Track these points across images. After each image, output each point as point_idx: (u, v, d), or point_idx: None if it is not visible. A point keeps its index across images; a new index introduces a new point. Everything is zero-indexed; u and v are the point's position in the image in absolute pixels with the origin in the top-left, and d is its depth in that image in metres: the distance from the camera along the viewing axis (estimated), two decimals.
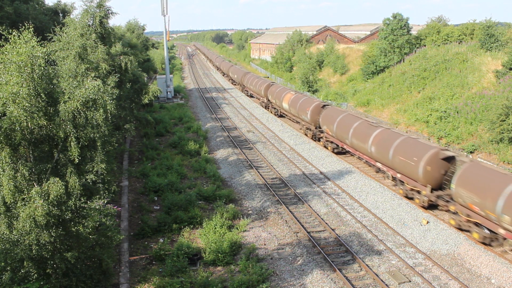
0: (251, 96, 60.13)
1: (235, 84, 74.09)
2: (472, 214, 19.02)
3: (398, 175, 24.25)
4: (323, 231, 20.59)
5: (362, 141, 27.37)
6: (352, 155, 31.36)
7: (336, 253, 18.50)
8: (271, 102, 46.74)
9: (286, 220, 21.64)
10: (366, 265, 17.27)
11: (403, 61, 49.70)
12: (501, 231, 17.56)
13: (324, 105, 35.04)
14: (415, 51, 50.21)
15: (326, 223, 21.09)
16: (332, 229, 20.46)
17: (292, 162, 30.58)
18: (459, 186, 19.32)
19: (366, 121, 28.29)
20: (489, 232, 18.61)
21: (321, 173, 28.45)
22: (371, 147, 26.31)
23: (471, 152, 29.65)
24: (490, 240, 18.65)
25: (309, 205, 23.21)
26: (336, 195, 24.71)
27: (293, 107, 39.84)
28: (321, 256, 18.13)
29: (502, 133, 27.71)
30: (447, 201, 20.95)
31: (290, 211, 22.41)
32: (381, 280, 16.24)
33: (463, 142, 31.31)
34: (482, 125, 31.07)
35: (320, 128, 33.97)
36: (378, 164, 26.33)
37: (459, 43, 46.49)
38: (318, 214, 22.15)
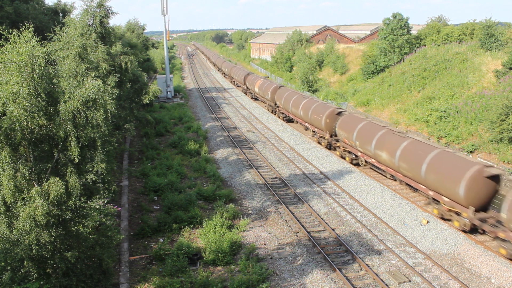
0: (238, 86, 67.76)
1: (226, 77, 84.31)
2: (346, 146, 30.32)
3: (315, 129, 35.33)
4: (323, 231, 20.60)
5: (296, 108, 39.16)
6: (295, 121, 42.78)
7: (336, 252, 18.51)
8: (248, 88, 56.46)
9: (286, 220, 21.65)
10: (366, 265, 17.28)
11: (403, 61, 49.69)
12: (358, 153, 28.61)
13: (280, 87, 46.78)
14: (415, 51, 50.20)
15: (326, 223, 21.10)
16: (332, 229, 20.46)
17: (292, 162, 30.59)
18: (339, 129, 30.70)
19: (300, 95, 40.34)
20: (354, 156, 29.55)
21: (321, 173, 28.46)
22: (300, 111, 38.03)
23: (471, 152, 29.66)
24: (355, 160, 29.58)
25: (309, 205, 23.22)
26: (336, 195, 24.72)
27: (261, 90, 51.85)
28: (321, 256, 18.14)
29: (502, 133, 27.71)
30: (336, 141, 32.06)
31: (290, 211, 22.42)
32: (381, 280, 16.25)
33: (463, 142, 31.30)
34: (482, 125, 31.06)
35: (276, 103, 43.15)
36: (306, 124, 37.66)
37: (459, 43, 46.47)
38: (318, 214, 22.16)
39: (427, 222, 20.81)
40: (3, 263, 11.41)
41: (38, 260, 11.76)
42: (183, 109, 51.77)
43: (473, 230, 19.54)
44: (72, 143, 11.49)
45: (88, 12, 22.28)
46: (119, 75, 22.90)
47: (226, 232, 19.74)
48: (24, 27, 11.33)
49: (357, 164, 29.42)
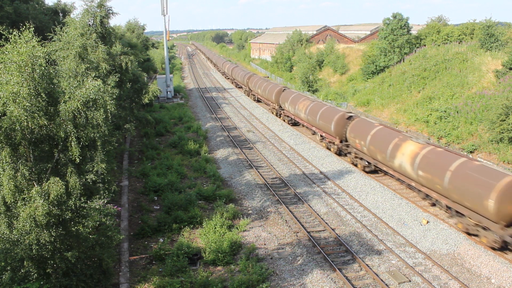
0: (258, 101, 69.04)
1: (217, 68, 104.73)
2: (286, 113, 43.40)
3: (277, 105, 46.29)
4: (323, 230, 20.60)
5: (260, 88, 52.47)
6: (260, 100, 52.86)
7: (336, 252, 18.51)
8: (225, 72, 70.29)
9: (286, 220, 21.65)
10: (366, 265, 17.28)
11: (403, 61, 49.68)
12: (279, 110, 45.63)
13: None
14: (415, 51, 50.19)
15: (326, 223, 21.10)
16: (332, 229, 20.46)
17: (292, 162, 30.58)
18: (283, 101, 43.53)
19: (266, 80, 53.18)
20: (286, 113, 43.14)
21: (321, 173, 28.45)
22: (257, 89, 53.58)
23: (471, 152, 29.65)
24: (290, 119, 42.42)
25: (309, 205, 23.22)
26: (336, 195, 24.72)
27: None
28: (321, 256, 18.14)
29: (502, 133, 27.70)
30: (282, 110, 44.55)
31: (290, 211, 22.42)
32: (381, 280, 16.24)
33: (463, 142, 31.30)
34: (482, 125, 31.05)
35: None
36: (264, 100, 51.72)
37: (459, 43, 46.45)
38: (318, 214, 22.16)
39: (427, 222, 20.81)
40: (3, 263, 11.41)
41: (38, 260, 11.76)
42: (183, 109, 51.76)
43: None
44: (72, 143, 11.49)
45: (88, 12, 22.30)
46: (119, 75, 22.90)
47: (226, 232, 19.74)
48: (24, 27, 11.33)
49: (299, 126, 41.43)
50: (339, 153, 31.79)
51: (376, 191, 24.87)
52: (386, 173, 27.37)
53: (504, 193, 17.15)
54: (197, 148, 33.94)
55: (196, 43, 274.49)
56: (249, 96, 60.75)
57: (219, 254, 17.89)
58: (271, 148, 34.62)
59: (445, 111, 34.83)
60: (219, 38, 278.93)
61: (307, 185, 26.27)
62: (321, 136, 34.54)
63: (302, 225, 20.79)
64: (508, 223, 17.47)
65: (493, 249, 18.05)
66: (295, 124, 42.54)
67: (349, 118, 30.71)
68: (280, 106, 45.20)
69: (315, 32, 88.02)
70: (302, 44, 79.18)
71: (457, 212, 20.11)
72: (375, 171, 28.23)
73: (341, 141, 31.14)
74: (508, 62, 33.86)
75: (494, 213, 17.37)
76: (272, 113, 48.07)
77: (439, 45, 48.10)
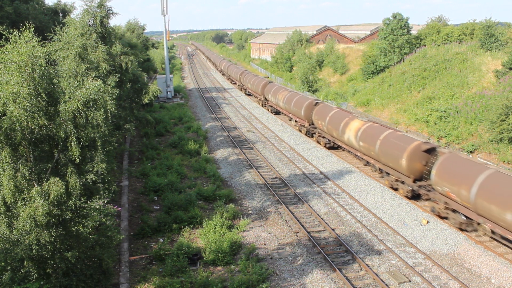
0: (218, 69, 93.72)
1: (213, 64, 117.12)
2: (270, 103, 49.17)
3: (262, 97, 51.54)
4: (323, 231, 20.60)
5: (250, 83, 58.91)
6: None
7: (336, 253, 18.51)
8: (222, 70, 74.48)
9: (286, 220, 21.65)
10: (366, 265, 17.28)
11: (403, 61, 49.69)
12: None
13: (230, 65, 65.21)
14: (415, 51, 50.20)
15: (326, 223, 21.10)
16: (332, 229, 20.47)
17: (292, 162, 30.58)
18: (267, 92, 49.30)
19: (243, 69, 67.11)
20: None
21: (321, 173, 28.45)
22: (247, 83, 60.48)
23: (471, 152, 29.66)
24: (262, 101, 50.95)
25: (309, 205, 23.22)
26: (336, 195, 24.72)
27: (224, 69, 76.40)
28: (321, 256, 18.14)
29: (502, 133, 27.71)
30: (267, 101, 49.06)
31: (290, 211, 22.42)
32: (381, 280, 16.25)
33: (463, 142, 31.30)
34: (482, 125, 31.06)
35: (217, 66, 62.58)
36: (253, 93, 57.51)
37: (459, 43, 46.46)
38: (318, 214, 22.16)
39: (427, 222, 20.81)
40: (3, 263, 11.41)
41: (38, 260, 11.76)
42: (183, 109, 51.76)
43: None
44: (72, 143, 11.48)
45: (88, 12, 22.30)
46: (119, 75, 22.89)
47: (226, 232, 19.74)
48: (24, 27, 11.33)
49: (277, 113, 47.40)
50: (308, 133, 37.39)
51: (376, 191, 24.88)
52: (341, 147, 32.52)
53: (412, 153, 22.49)
54: (197, 148, 33.94)
55: (196, 43, 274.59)
56: (241, 90, 66.53)
57: (219, 254, 17.89)
58: (271, 148, 34.62)
59: (445, 111, 34.84)
60: (219, 38, 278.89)
61: (307, 185, 26.27)
62: (295, 121, 40.29)
63: (302, 225, 20.79)
64: (416, 177, 22.90)
65: (441, 218, 21.18)
66: (277, 113, 48.37)
67: (316, 104, 36.14)
68: (265, 98, 50.95)
69: (315, 32, 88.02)
70: (302, 44, 79.17)
71: (386, 172, 25.37)
72: (334, 147, 33.31)
73: (309, 124, 36.67)
74: (508, 62, 33.87)
75: (406, 169, 22.82)
76: (259, 104, 54.09)
77: (439, 45, 48.10)
